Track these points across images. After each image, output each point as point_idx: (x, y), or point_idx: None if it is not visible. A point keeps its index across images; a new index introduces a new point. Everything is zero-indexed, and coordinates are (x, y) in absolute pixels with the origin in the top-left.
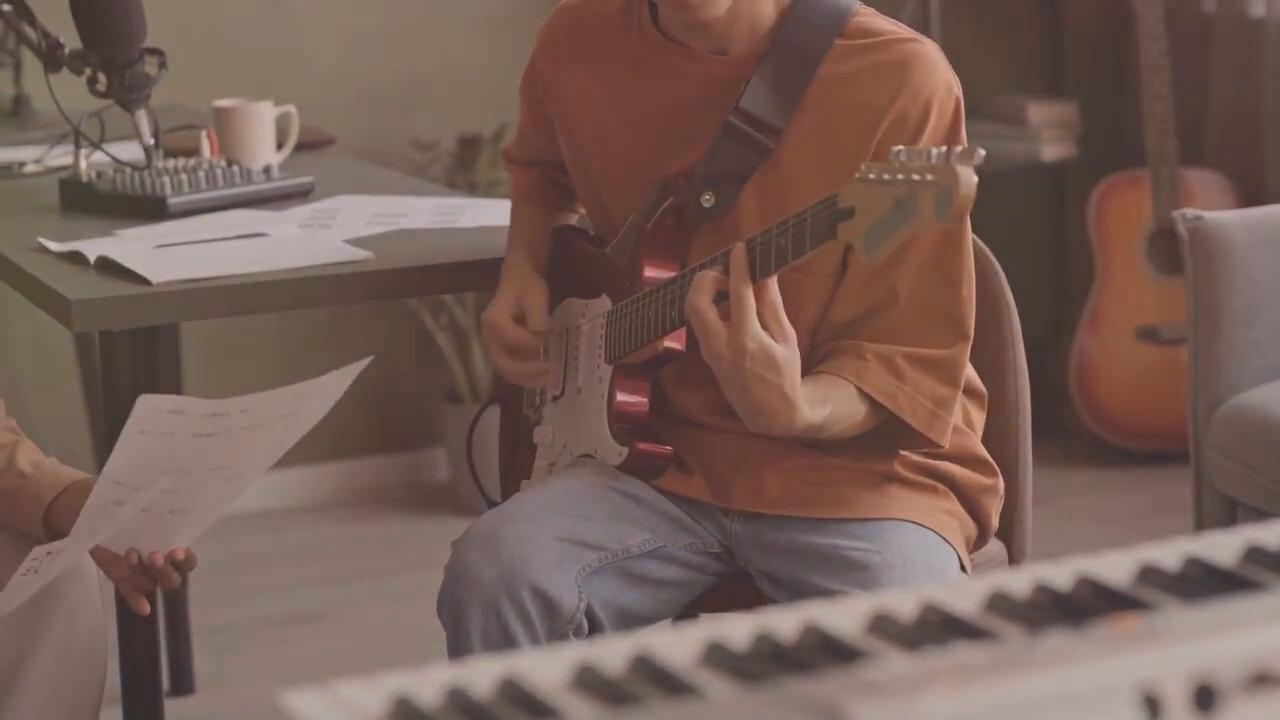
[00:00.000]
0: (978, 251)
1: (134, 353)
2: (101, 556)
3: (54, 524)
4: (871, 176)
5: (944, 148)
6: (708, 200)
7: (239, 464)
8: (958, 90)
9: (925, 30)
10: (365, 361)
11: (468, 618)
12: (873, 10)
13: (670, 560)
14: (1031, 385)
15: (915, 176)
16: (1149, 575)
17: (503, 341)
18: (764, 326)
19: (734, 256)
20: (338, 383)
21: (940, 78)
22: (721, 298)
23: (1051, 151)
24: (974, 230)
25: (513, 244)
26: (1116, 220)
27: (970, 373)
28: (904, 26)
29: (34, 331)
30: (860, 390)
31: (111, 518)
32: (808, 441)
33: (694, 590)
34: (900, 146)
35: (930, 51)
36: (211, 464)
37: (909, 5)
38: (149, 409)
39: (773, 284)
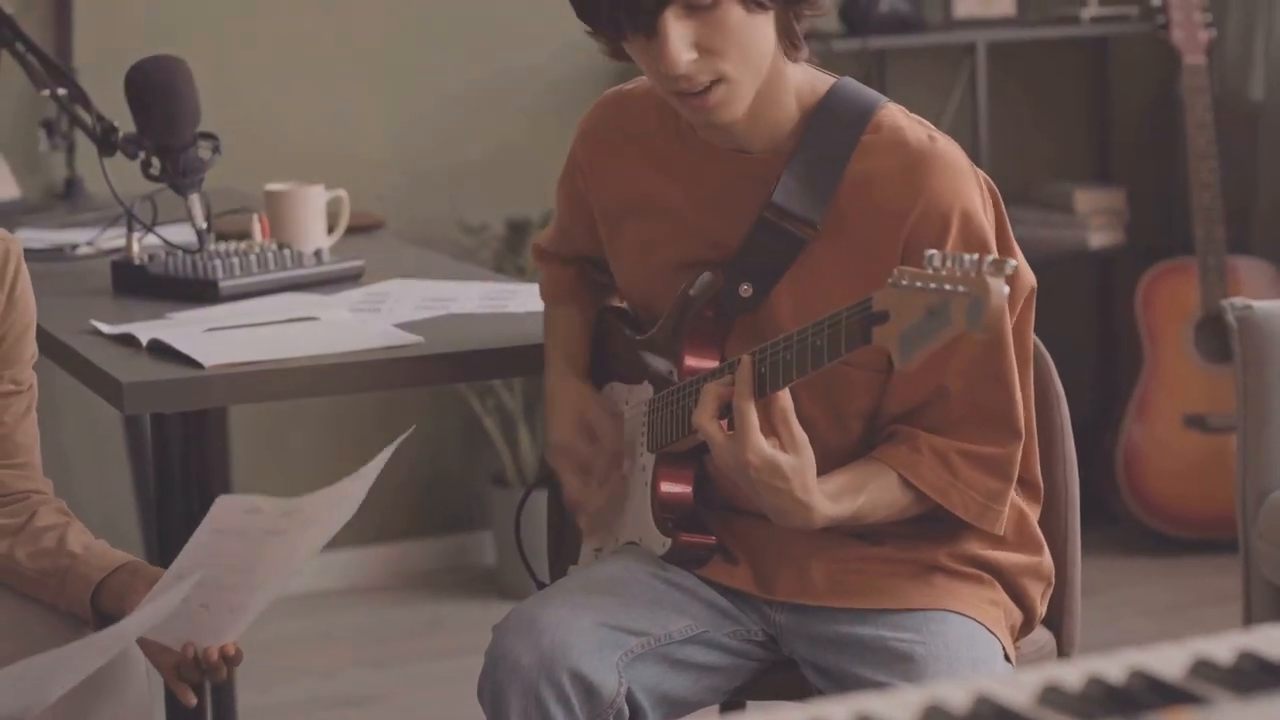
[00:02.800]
0: None
1: (184, 435)
2: (149, 646)
3: (102, 605)
4: (904, 283)
5: (976, 256)
6: (745, 291)
7: (296, 556)
8: (988, 191)
9: (973, 118)
10: (407, 433)
11: (508, 703)
12: (900, 107)
13: (714, 646)
14: (1079, 473)
15: (947, 286)
16: (1202, 669)
17: (579, 461)
18: (773, 432)
19: (740, 370)
20: (377, 464)
21: (963, 180)
22: (727, 410)
23: (1099, 239)
24: None
25: (553, 355)
26: (1164, 308)
27: (1033, 470)
28: (927, 125)
29: (83, 413)
30: (907, 481)
31: (171, 611)
32: (853, 530)
33: (738, 677)
34: (933, 251)
35: (949, 151)
36: (275, 559)
37: (956, 94)
38: (226, 509)
39: (785, 395)
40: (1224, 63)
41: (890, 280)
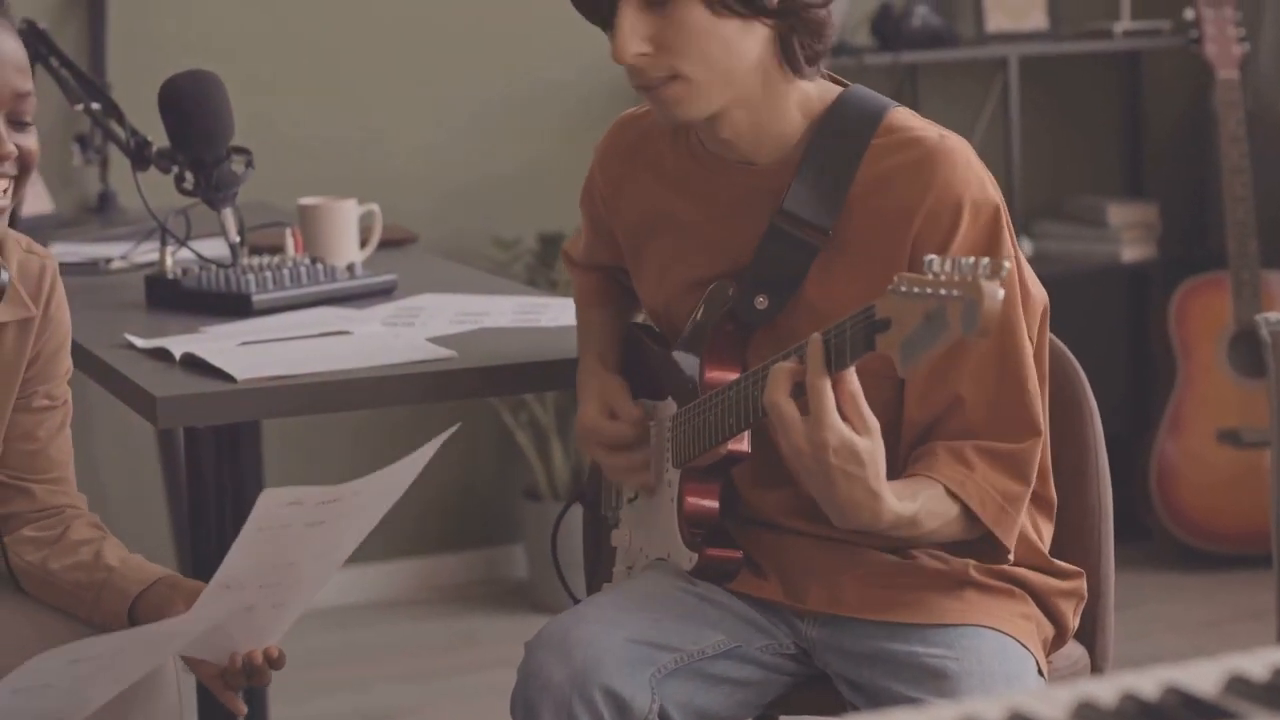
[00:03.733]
0: (1059, 354)
1: (218, 448)
2: (192, 657)
3: (139, 619)
4: (903, 289)
5: (972, 260)
6: (761, 303)
7: (336, 548)
8: (994, 190)
9: (1006, 132)
10: (449, 432)
11: (540, 719)
12: (908, 110)
13: (746, 661)
14: (1112, 488)
15: (943, 291)
16: (1237, 685)
17: (601, 439)
18: (844, 419)
19: (810, 348)
20: (423, 456)
21: (970, 175)
22: (799, 391)
23: (1132, 253)
24: (1054, 332)
25: (584, 350)
26: (1197, 322)
27: (1046, 480)
28: (934, 125)
29: (116, 426)
30: (951, 493)
31: (217, 616)
32: (884, 545)
33: (771, 691)
34: (932, 256)
35: (958, 147)
36: (315, 552)
37: (988, 108)
38: (270, 503)
39: (852, 375)
40: (1257, 77)
41: (890, 287)
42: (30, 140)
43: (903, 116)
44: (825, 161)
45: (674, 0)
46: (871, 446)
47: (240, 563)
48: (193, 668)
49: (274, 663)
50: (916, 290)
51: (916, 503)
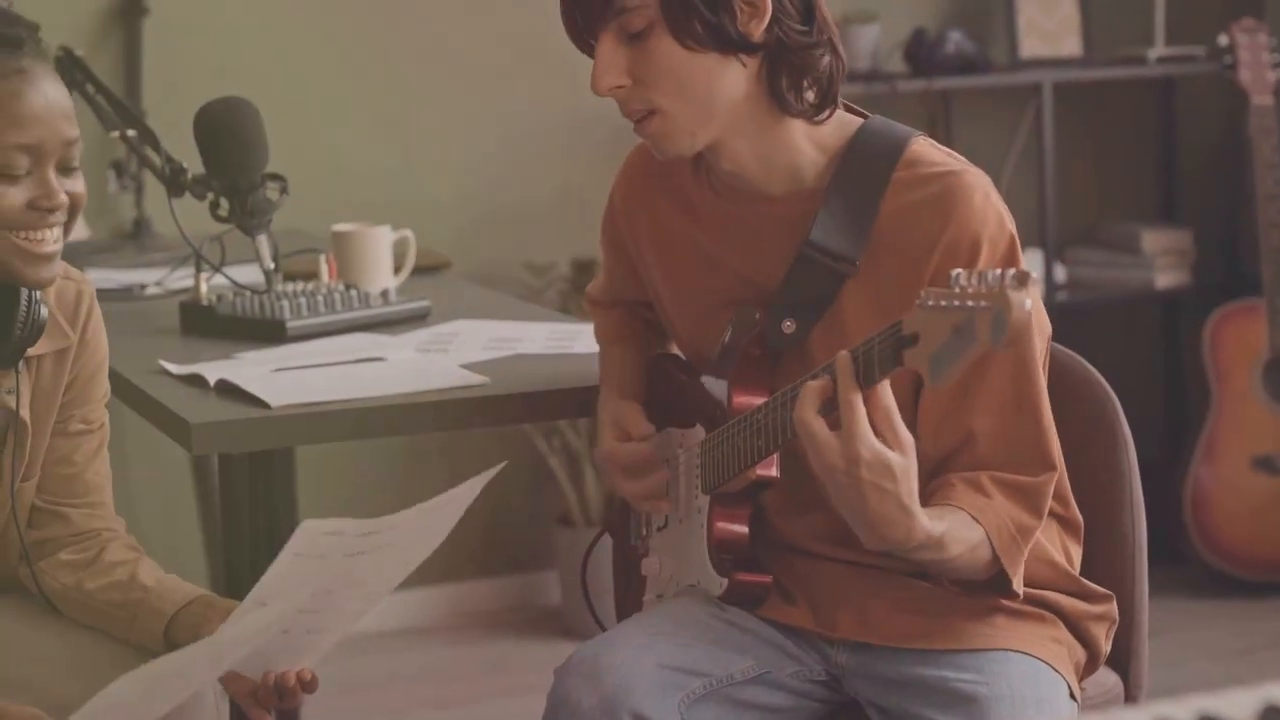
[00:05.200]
0: (1092, 380)
1: (252, 474)
2: (226, 673)
3: (175, 638)
4: (930, 303)
5: (999, 271)
6: (789, 327)
7: (377, 580)
8: (1010, 223)
9: (1039, 158)
10: (497, 469)
11: None
12: (929, 140)
13: (776, 687)
14: (1146, 514)
15: (970, 303)
16: (1271, 714)
17: (617, 463)
18: (878, 434)
19: (839, 363)
20: (468, 492)
21: (988, 209)
22: (829, 408)
23: (1165, 280)
24: (1088, 358)
25: (603, 385)
26: (1231, 349)
27: (1068, 503)
28: (956, 157)
29: (150, 452)
30: (974, 518)
31: (251, 639)
32: (913, 570)
33: (801, 717)
34: (959, 270)
35: (977, 181)
36: (353, 581)
37: (1022, 134)
38: (309, 532)
39: (886, 391)
40: None
41: (918, 302)
42: (78, 184)
43: (923, 149)
44: (849, 195)
45: (649, 34)
46: (905, 462)
47: (274, 587)
48: (226, 683)
49: (306, 685)
50: (944, 304)
51: (944, 523)
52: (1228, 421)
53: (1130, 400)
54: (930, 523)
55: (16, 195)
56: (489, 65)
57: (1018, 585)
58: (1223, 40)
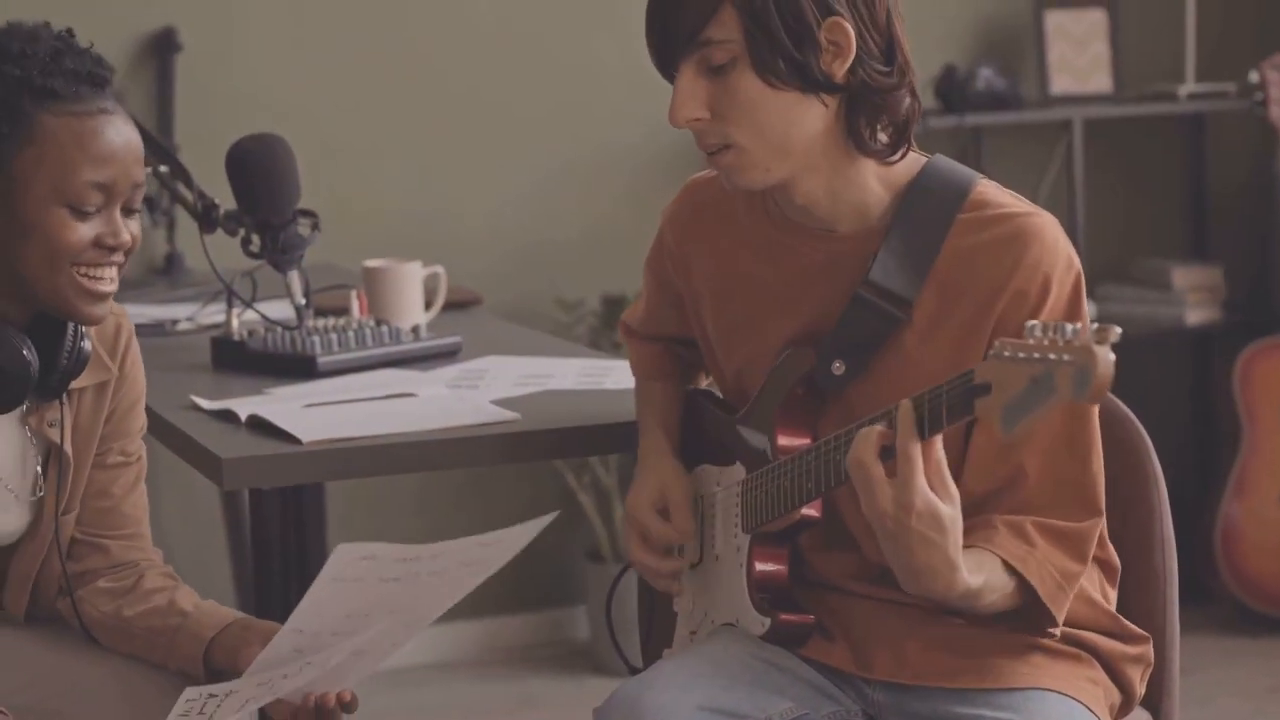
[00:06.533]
0: (1123, 418)
1: (283, 510)
2: None
3: (214, 662)
4: (1006, 354)
5: (1079, 325)
6: (838, 369)
7: (417, 609)
8: (1077, 265)
9: (1070, 195)
10: (550, 517)
11: None
12: (994, 183)
13: None
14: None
15: (1052, 356)
16: None
17: (644, 533)
18: (930, 487)
19: (901, 412)
20: (522, 536)
21: (1059, 252)
22: (885, 454)
23: (1196, 316)
24: (1119, 396)
25: (647, 423)
26: (1262, 386)
27: (1107, 546)
28: (1023, 200)
29: (181, 487)
30: (1009, 565)
31: (286, 664)
32: (948, 609)
33: None
34: (1035, 322)
35: (1047, 225)
36: (392, 608)
37: (1052, 170)
38: (344, 557)
39: (938, 443)
40: None
41: (992, 351)
42: (137, 227)
43: (990, 191)
44: (911, 233)
45: (731, 68)
46: (954, 515)
47: (311, 613)
48: (267, 705)
49: (346, 706)
50: (1022, 355)
51: (983, 576)
52: (1258, 458)
53: (1160, 437)
54: (970, 576)
55: (85, 231)
56: (520, 101)
57: (1060, 624)
58: (1253, 77)
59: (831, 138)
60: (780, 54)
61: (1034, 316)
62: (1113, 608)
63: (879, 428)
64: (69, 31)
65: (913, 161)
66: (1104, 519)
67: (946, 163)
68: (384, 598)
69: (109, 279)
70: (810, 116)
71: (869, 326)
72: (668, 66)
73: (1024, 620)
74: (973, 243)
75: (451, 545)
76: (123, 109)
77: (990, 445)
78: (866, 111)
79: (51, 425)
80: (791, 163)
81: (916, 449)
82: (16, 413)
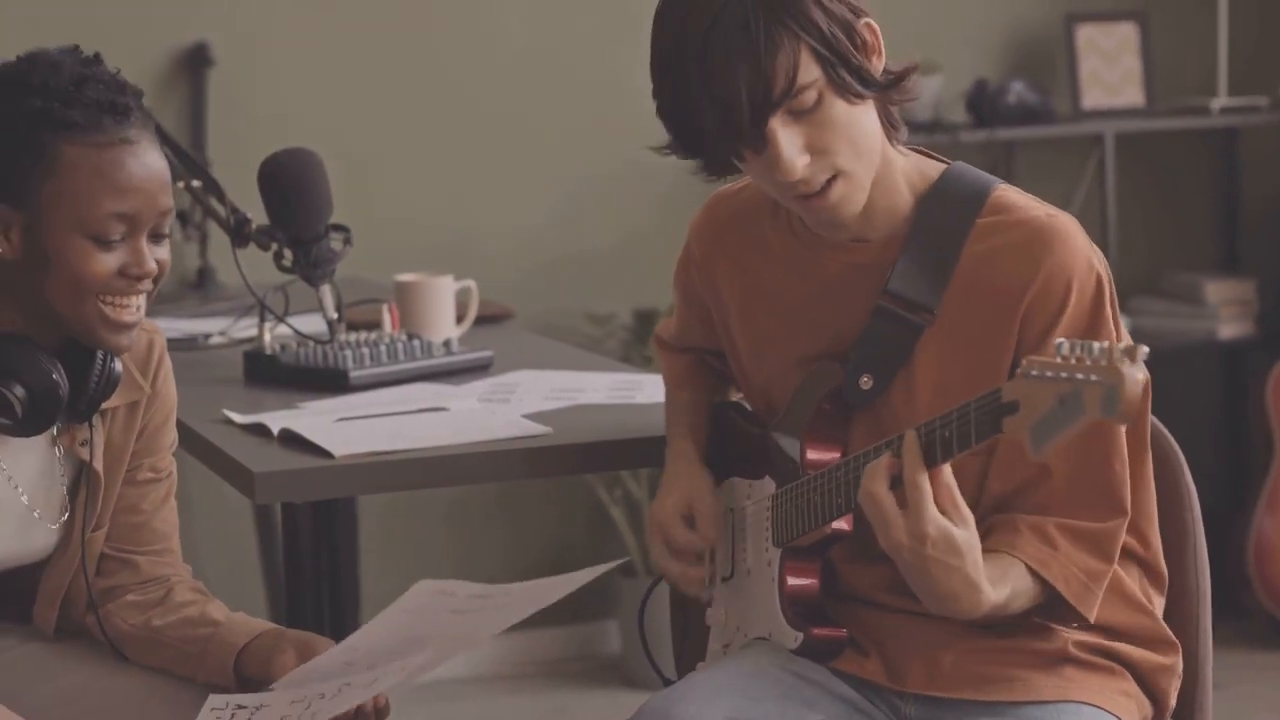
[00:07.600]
0: (1156, 434)
1: (315, 523)
2: None
3: (245, 670)
4: (1034, 373)
5: (1106, 344)
6: (866, 383)
7: (472, 634)
8: (1100, 266)
9: (1102, 209)
10: (616, 564)
11: None
12: (1014, 188)
13: None
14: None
15: (1080, 375)
16: None
17: (669, 541)
18: (941, 510)
19: (906, 443)
20: (585, 577)
21: (1080, 253)
22: (895, 483)
23: (1229, 330)
24: (1151, 410)
25: (675, 430)
26: None
27: (1156, 554)
28: (1043, 202)
29: (213, 501)
30: (1031, 568)
31: (328, 680)
32: (980, 622)
33: None
34: (1063, 339)
35: (1068, 226)
36: (450, 633)
37: (1084, 184)
38: (422, 592)
39: (947, 469)
40: None
41: (1020, 370)
42: (166, 252)
43: (1009, 195)
44: (931, 239)
45: (820, 103)
46: (969, 537)
47: (374, 637)
48: None
49: (381, 711)
50: (1049, 374)
51: (1007, 586)
52: None
53: (1192, 452)
54: (995, 590)
55: (109, 261)
56: (550, 116)
57: (1092, 618)
58: None
59: (883, 137)
60: (848, 69)
61: (1058, 317)
62: (1157, 611)
63: (886, 459)
64: (96, 56)
65: (932, 167)
66: (1128, 518)
67: (965, 168)
68: (445, 625)
69: (134, 307)
70: (873, 121)
71: (893, 337)
72: (751, 139)
73: (1054, 616)
74: (992, 246)
75: (525, 586)
76: (149, 134)
77: (1013, 449)
78: (892, 102)
79: (83, 445)
80: (874, 173)
81: (924, 478)
82: (48, 434)
